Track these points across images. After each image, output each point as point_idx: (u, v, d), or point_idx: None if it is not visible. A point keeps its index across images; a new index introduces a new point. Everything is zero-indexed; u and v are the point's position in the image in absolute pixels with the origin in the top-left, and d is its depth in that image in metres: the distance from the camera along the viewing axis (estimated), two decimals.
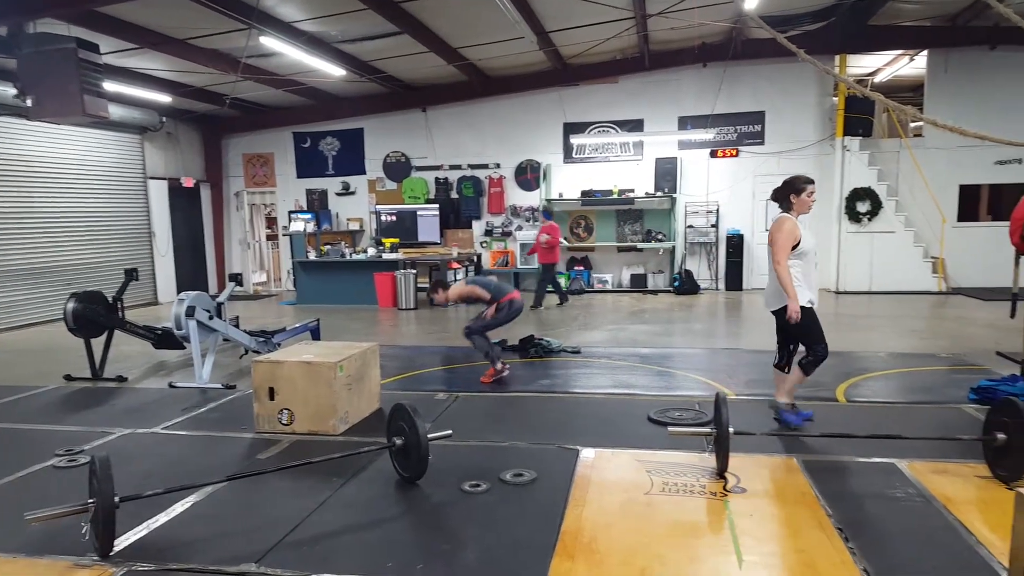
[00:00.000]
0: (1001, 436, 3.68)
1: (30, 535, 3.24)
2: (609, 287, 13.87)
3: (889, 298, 11.84)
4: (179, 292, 7.57)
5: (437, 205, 14.29)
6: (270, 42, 9.02)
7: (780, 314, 4.63)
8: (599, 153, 13.87)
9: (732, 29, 11.51)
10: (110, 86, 9.25)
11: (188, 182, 14.74)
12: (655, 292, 13.43)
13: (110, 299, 7.06)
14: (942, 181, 12.49)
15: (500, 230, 14.46)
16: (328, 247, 13.26)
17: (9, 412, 5.75)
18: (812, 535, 3.18)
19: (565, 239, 13.87)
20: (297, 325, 7.98)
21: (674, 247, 13.50)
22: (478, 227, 14.61)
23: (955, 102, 12.02)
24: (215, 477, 3.77)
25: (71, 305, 6.74)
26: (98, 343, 6.98)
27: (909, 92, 14.94)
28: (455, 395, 5.88)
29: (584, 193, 13.62)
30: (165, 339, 7.14)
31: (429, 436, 3.79)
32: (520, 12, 9.05)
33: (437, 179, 14.59)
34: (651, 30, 11.15)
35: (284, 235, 15.18)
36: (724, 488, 3.70)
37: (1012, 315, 5.98)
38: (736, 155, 13.28)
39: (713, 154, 13.36)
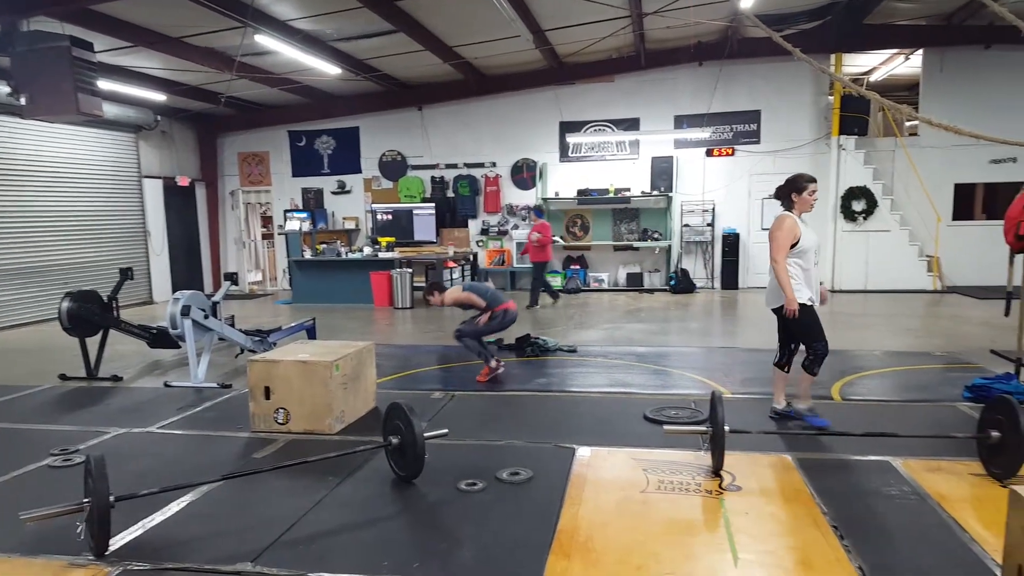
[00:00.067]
0: (995, 434, 3.69)
1: (25, 535, 3.24)
2: (605, 286, 13.89)
3: (884, 297, 11.87)
4: (174, 291, 7.56)
5: (433, 204, 14.27)
6: (265, 40, 8.99)
7: (780, 312, 4.65)
8: (595, 152, 13.87)
9: (728, 28, 11.52)
10: (104, 84, 9.23)
11: (183, 181, 14.70)
12: (651, 291, 13.44)
13: (105, 298, 7.03)
14: (937, 180, 12.53)
15: (496, 229, 14.45)
16: (324, 246, 13.23)
17: (4, 412, 5.73)
18: (807, 533, 3.19)
19: (561, 238, 13.88)
20: (293, 324, 7.96)
21: (670, 246, 13.52)
22: (474, 226, 14.60)
23: (950, 101, 12.05)
24: (210, 476, 3.76)
25: (66, 304, 6.72)
26: (93, 342, 6.95)
27: (904, 91, 14.98)
28: (451, 394, 5.88)
29: (580, 192, 13.62)
30: (160, 338, 7.12)
31: (425, 435, 3.79)
32: (516, 11, 9.04)
33: (433, 178, 14.58)
34: (647, 29, 11.16)
35: (280, 234, 15.15)
36: (720, 486, 3.71)
37: (1006, 313, 6.00)
38: (732, 154, 13.29)
39: (709, 153, 13.37)
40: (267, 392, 4.87)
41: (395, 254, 12.64)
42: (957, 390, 5.52)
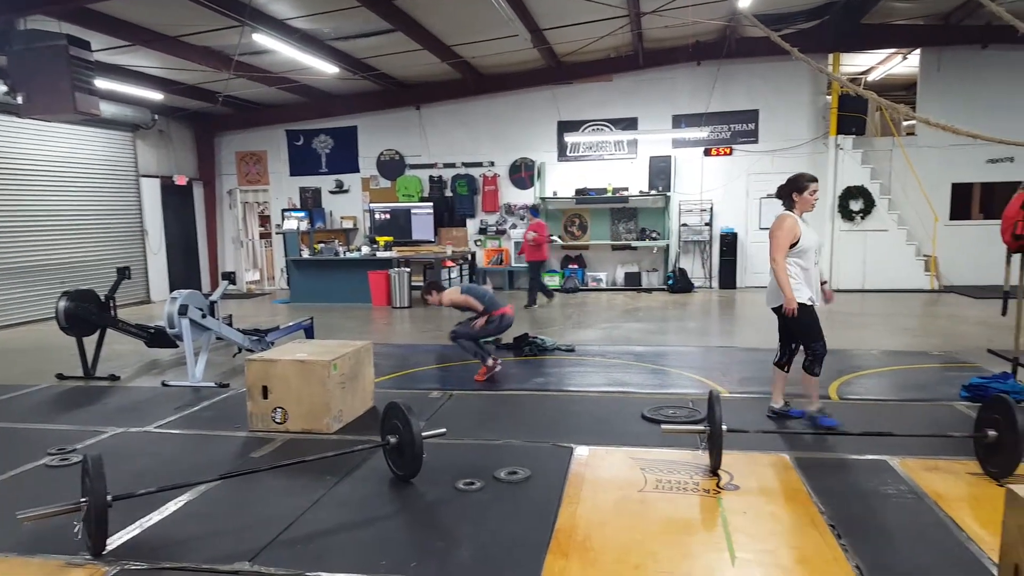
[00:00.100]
0: (992, 433, 3.70)
1: (22, 534, 3.23)
2: (603, 285, 13.89)
3: (882, 296, 11.89)
4: (172, 290, 7.55)
5: (431, 203, 14.25)
6: (263, 39, 8.98)
7: (780, 311, 4.65)
8: (593, 151, 13.87)
9: (726, 27, 11.53)
10: (101, 83, 9.21)
11: (181, 180, 14.68)
12: (649, 290, 13.45)
13: (102, 297, 7.02)
14: (934, 180, 12.55)
15: (494, 228, 14.44)
16: (322, 245, 13.23)
17: (1, 411, 5.73)
18: (805, 532, 3.19)
19: (559, 237, 13.88)
20: (291, 324, 7.97)
21: (668, 245, 13.52)
22: (472, 225, 14.60)
23: (947, 100, 12.07)
24: (208, 476, 3.76)
25: (63, 303, 6.70)
26: (90, 342, 6.94)
27: (902, 91, 14.99)
28: (449, 393, 5.88)
29: (578, 191, 13.63)
30: (158, 338, 7.12)
31: (423, 434, 3.79)
32: (514, 10, 9.03)
33: (431, 177, 14.57)
34: (645, 28, 11.16)
35: (277, 233, 15.13)
36: (717, 485, 3.72)
37: (1003, 313, 6.01)
38: (730, 153, 13.30)
39: (707, 152, 13.38)
40: (265, 391, 4.86)
41: (393, 253, 12.63)
42: (954, 389, 5.53)
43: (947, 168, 12.50)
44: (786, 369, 4.91)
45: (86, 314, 6.81)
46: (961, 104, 11.93)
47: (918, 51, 12.66)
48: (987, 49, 12.01)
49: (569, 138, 13.67)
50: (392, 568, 2.94)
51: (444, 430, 4.08)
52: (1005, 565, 2.48)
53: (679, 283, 13.14)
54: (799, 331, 4.69)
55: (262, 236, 16.86)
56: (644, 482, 3.79)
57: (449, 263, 12.81)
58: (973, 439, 3.87)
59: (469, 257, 13.99)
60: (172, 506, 3.58)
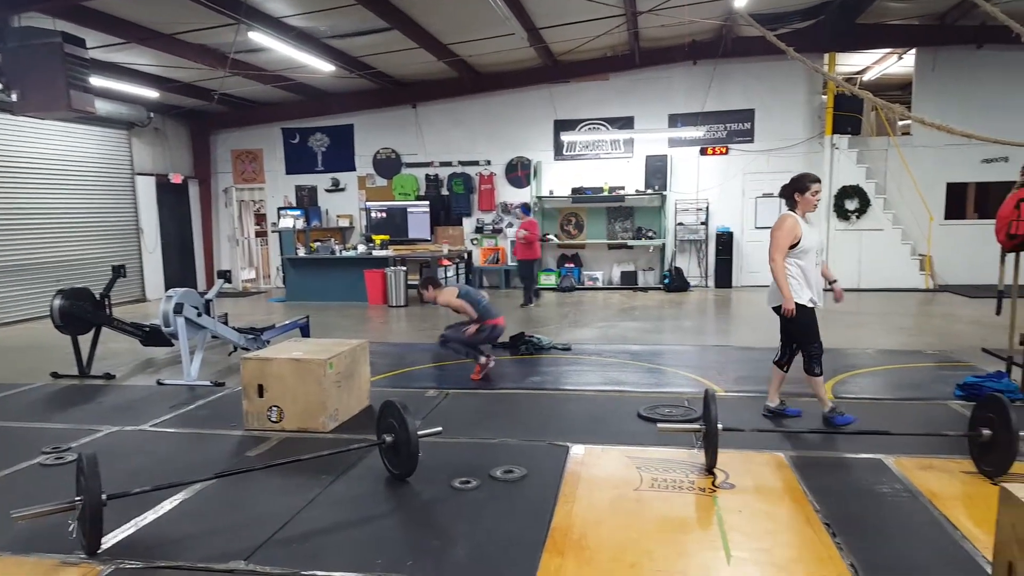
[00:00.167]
0: (986, 432, 3.72)
1: (17, 533, 3.23)
2: (599, 284, 13.90)
3: (877, 295, 11.92)
4: (167, 289, 7.53)
5: (427, 202, 14.25)
6: (258, 37, 8.96)
7: (781, 311, 4.66)
8: (589, 150, 13.88)
9: (722, 27, 11.54)
10: (96, 81, 9.16)
11: (176, 178, 14.64)
12: (645, 289, 13.46)
13: (97, 296, 7.01)
14: (929, 179, 12.59)
15: (491, 227, 14.44)
16: (318, 244, 13.21)
17: None
18: (800, 530, 3.20)
19: (556, 236, 13.89)
20: (286, 322, 7.95)
21: (664, 244, 13.54)
22: (468, 224, 14.59)
23: (942, 100, 12.11)
24: (203, 475, 3.75)
25: (58, 302, 6.68)
26: (85, 340, 6.92)
27: (897, 90, 15.03)
28: (445, 392, 5.88)
29: (575, 190, 13.64)
30: (153, 336, 7.09)
31: (419, 433, 3.79)
32: (511, 9, 9.03)
33: (427, 176, 14.56)
34: (642, 27, 11.17)
35: (273, 231, 15.11)
36: (713, 484, 3.73)
37: (998, 312, 6.02)
38: (726, 153, 13.32)
39: (703, 152, 13.39)
40: (260, 390, 4.85)
41: (389, 252, 12.60)
42: (949, 388, 5.56)
43: (942, 168, 12.54)
44: (785, 369, 4.91)
45: (81, 312, 6.79)
46: (956, 104, 11.97)
47: (913, 51, 12.70)
48: (982, 49, 12.05)
49: (565, 137, 13.67)
50: (388, 567, 2.94)
51: (440, 429, 4.08)
52: (999, 563, 2.49)
53: (675, 282, 13.15)
54: (796, 331, 4.70)
55: (258, 234, 16.82)
56: (640, 481, 3.80)
57: (445, 262, 12.80)
58: (967, 438, 3.89)
59: (465, 256, 13.97)
60: (167, 505, 3.58)
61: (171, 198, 14.62)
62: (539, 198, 13.75)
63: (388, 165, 14.76)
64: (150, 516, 3.45)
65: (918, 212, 12.63)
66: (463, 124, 14.24)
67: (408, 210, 14.21)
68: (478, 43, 11.21)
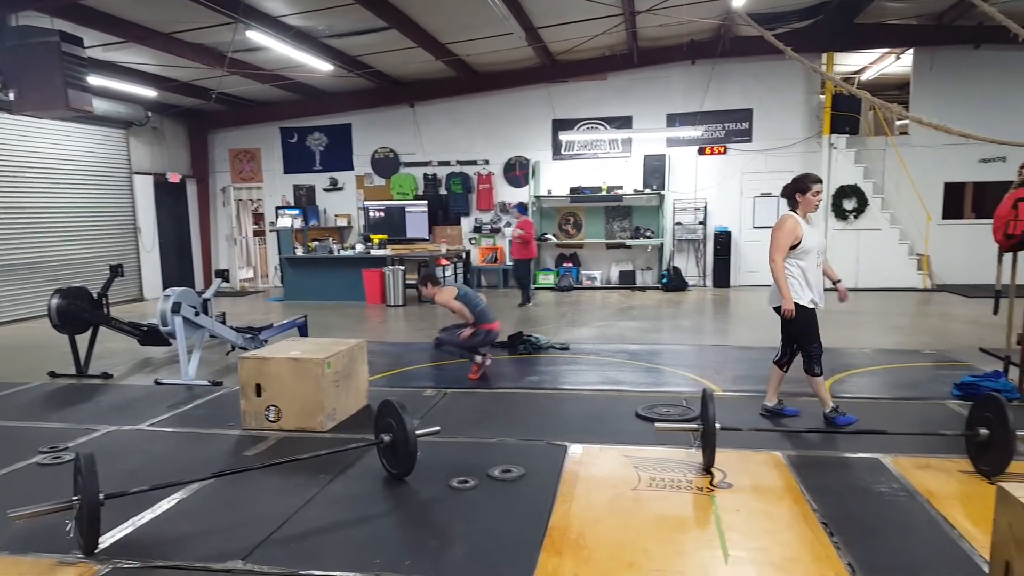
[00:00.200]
0: (983, 432, 3.73)
1: (14, 533, 3.22)
2: (598, 284, 13.90)
3: (875, 295, 11.93)
4: (165, 288, 7.53)
5: (426, 201, 14.24)
6: (256, 36, 8.95)
7: (781, 311, 4.66)
8: (588, 150, 13.88)
9: (720, 27, 11.54)
10: (94, 80, 9.14)
11: (174, 177, 14.61)
12: (643, 289, 13.46)
13: (95, 295, 7.00)
14: (927, 179, 12.61)
15: (489, 227, 14.43)
16: (316, 243, 13.20)
17: None
18: (797, 530, 3.21)
19: (554, 235, 13.89)
20: (284, 321, 7.95)
21: (662, 244, 13.54)
22: (467, 223, 14.58)
23: (940, 100, 12.12)
24: (201, 474, 3.75)
25: (55, 301, 6.67)
26: (83, 339, 6.91)
27: (895, 90, 15.05)
28: (443, 391, 5.88)
29: (573, 190, 13.63)
30: (151, 336, 7.08)
31: (417, 432, 3.79)
32: (509, 8, 9.02)
33: (426, 175, 14.55)
34: (640, 27, 11.17)
35: (271, 231, 15.08)
36: (711, 483, 3.73)
37: (995, 312, 6.04)
38: (724, 152, 13.32)
39: (701, 151, 13.39)
40: (258, 390, 4.85)
41: (387, 251, 12.61)
42: (946, 388, 5.57)
43: (940, 167, 12.56)
44: (785, 369, 4.91)
45: (79, 312, 6.78)
46: (954, 104, 11.99)
47: (911, 51, 12.72)
48: (980, 49, 12.07)
49: (564, 136, 13.67)
50: (386, 566, 2.94)
51: (438, 428, 4.08)
52: (996, 562, 2.49)
53: (673, 282, 13.16)
54: (795, 332, 4.70)
55: (256, 234, 16.79)
56: (638, 480, 3.80)
57: (443, 261, 12.79)
58: (965, 437, 3.89)
59: (463, 255, 13.97)
60: (165, 504, 3.57)
61: (169, 197, 14.59)
62: (537, 198, 13.74)
63: (386, 164, 14.75)
64: (148, 516, 3.44)
65: (916, 212, 12.65)
66: (461, 123, 14.23)
67: (406, 209, 14.21)
68: (476, 42, 11.21)
